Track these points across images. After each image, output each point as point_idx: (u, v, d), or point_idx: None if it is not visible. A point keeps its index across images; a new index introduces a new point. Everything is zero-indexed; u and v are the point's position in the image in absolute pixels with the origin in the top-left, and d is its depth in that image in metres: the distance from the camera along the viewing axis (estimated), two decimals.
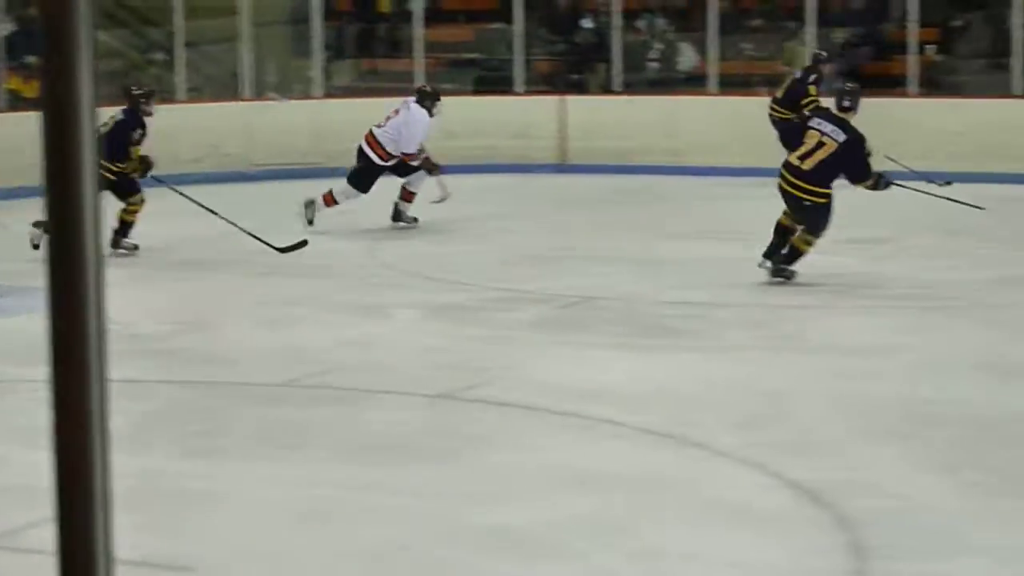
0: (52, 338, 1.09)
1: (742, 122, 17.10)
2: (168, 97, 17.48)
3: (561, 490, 6.91)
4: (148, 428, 7.85)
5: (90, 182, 1.04)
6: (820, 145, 11.00)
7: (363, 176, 14.17)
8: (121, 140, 12.19)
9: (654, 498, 6.84)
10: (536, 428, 7.96)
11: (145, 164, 12.49)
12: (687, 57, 18.57)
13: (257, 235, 12.23)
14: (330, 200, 14.18)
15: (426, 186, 14.16)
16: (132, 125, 12.39)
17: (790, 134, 11.80)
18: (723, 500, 6.80)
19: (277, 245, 12.15)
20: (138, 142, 12.42)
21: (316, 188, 14.08)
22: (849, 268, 11.81)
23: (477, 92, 18.58)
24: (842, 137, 10.98)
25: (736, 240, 12.94)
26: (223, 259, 12.55)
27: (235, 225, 12.33)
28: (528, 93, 18.15)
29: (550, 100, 17.87)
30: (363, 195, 14.22)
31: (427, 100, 14.30)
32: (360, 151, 14.22)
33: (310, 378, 9.01)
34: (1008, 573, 5.98)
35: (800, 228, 11.18)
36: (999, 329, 10.06)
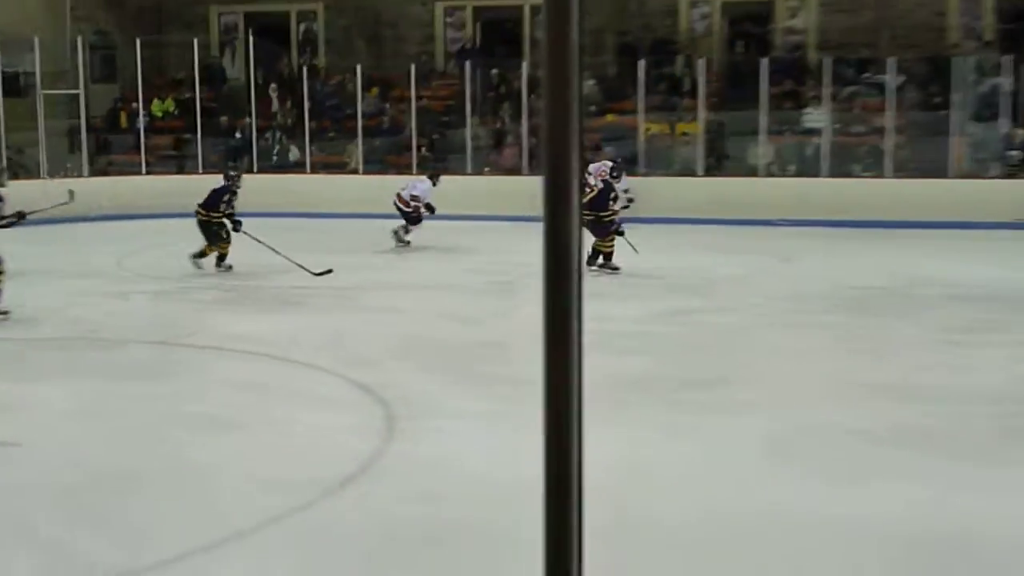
0: None
1: (327, 189, 17.20)
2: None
3: (233, 391, 6.91)
4: None
5: None
6: (592, 189, 11.36)
7: (407, 217, 13.31)
8: (216, 199, 11.55)
9: (279, 392, 6.88)
10: (220, 359, 7.85)
11: (232, 222, 11.62)
12: (293, 153, 18.46)
13: (299, 262, 11.13)
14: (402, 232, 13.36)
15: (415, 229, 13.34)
16: (223, 192, 11.63)
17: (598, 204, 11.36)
18: (314, 391, 6.90)
19: (313, 271, 11.06)
20: (228, 202, 11.58)
21: (85, 228, 13.19)
22: (417, 266, 11.97)
23: (179, 173, 17.96)
24: (601, 185, 11.49)
25: (339, 253, 12.53)
26: (40, 269, 11.49)
27: (287, 257, 11.16)
28: (205, 173, 17.74)
29: (218, 176, 17.42)
30: (417, 226, 13.27)
31: (434, 177, 13.51)
32: (395, 204, 13.35)
33: (86, 334, 8.64)
34: (472, 427, 6.20)
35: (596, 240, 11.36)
36: (506, 299, 10.12)
